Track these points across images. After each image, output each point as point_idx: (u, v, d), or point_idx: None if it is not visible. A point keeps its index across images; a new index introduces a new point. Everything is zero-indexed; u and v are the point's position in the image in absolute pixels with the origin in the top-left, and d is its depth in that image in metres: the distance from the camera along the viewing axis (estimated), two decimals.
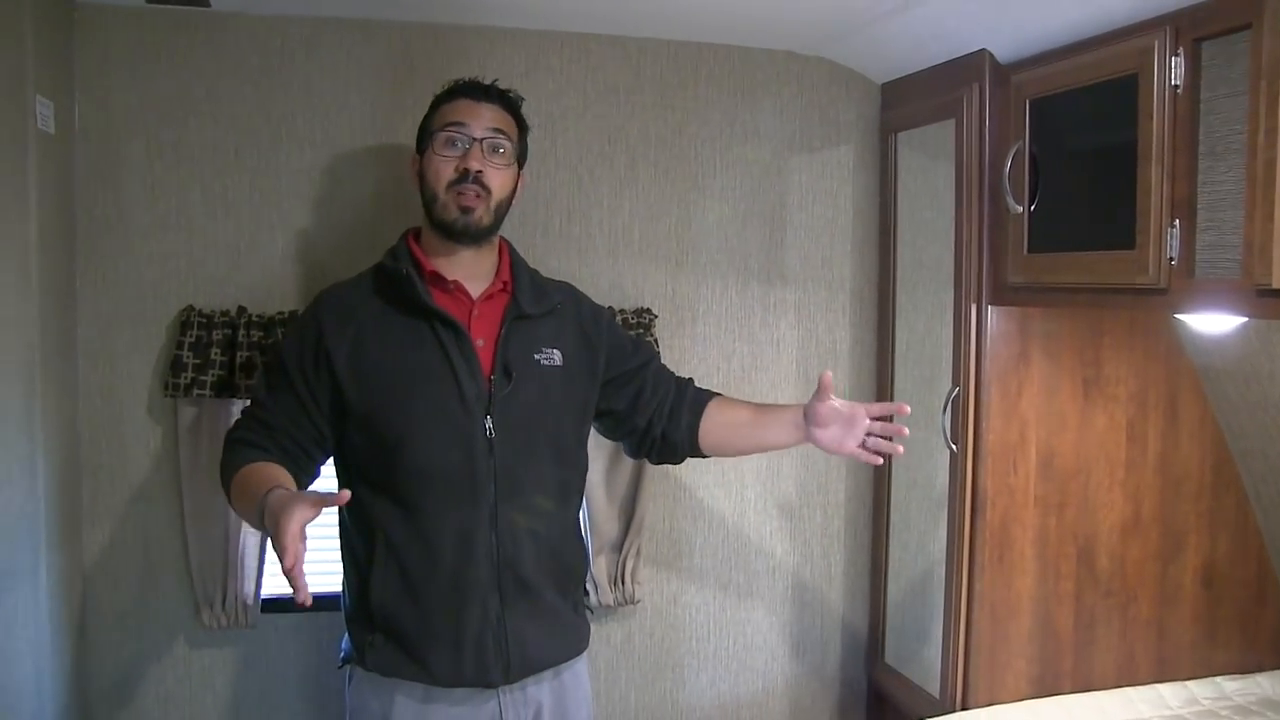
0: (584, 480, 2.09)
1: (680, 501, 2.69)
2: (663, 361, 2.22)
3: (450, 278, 1.92)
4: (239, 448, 1.86)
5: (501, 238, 2.03)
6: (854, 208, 2.75)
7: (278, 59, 2.40)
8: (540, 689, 1.95)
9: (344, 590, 1.98)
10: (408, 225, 2.04)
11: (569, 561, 2.00)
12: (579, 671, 2.04)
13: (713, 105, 2.64)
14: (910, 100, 2.60)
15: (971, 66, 2.31)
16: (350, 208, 2.45)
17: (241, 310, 2.36)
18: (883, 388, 2.74)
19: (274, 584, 2.46)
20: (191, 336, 2.33)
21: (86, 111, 2.32)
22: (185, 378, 2.31)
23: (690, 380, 2.16)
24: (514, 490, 1.89)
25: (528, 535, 1.90)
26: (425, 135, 1.95)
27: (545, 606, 1.91)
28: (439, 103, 1.96)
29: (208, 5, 2.31)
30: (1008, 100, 2.20)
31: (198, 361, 2.32)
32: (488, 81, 1.98)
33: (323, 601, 2.00)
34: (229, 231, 2.41)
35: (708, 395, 2.13)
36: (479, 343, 1.90)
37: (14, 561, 1.98)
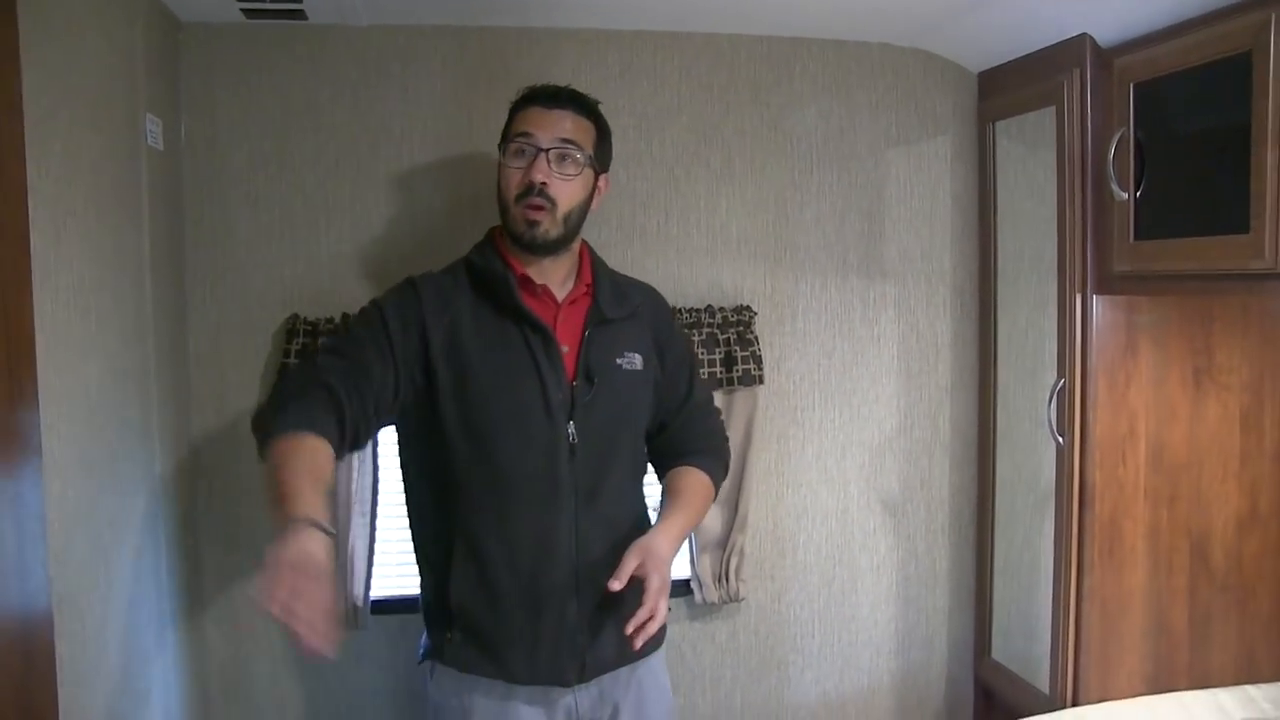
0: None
1: (783, 498, 2.67)
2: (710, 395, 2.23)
3: (538, 282, 1.93)
4: (308, 389, 1.74)
5: (582, 241, 2.02)
6: (952, 199, 2.70)
7: (374, 68, 2.43)
8: (616, 686, 1.97)
9: (421, 588, 2.00)
10: None
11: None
12: (655, 668, 2.04)
13: (808, 100, 2.62)
14: (1008, 89, 2.55)
15: (1071, 52, 2.25)
16: (449, 214, 2.47)
17: (345, 318, 2.39)
18: (985, 381, 2.70)
19: (382, 586, 2.51)
20: (297, 344, 2.37)
21: (192, 127, 2.38)
22: None
23: (702, 434, 2.11)
24: (593, 495, 1.89)
25: (605, 538, 1.90)
26: (501, 145, 1.95)
27: (621, 606, 1.89)
28: (514, 110, 1.95)
29: (305, 18, 2.35)
30: (1110, 85, 2.13)
31: None
32: (563, 85, 1.96)
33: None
34: (331, 240, 2.45)
35: (682, 461, 2.06)
36: (564, 348, 1.90)
37: (139, 564, 2.04)
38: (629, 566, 1.75)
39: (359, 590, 2.45)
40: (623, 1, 2.33)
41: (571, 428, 1.87)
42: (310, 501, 1.52)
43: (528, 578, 1.87)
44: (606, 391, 1.91)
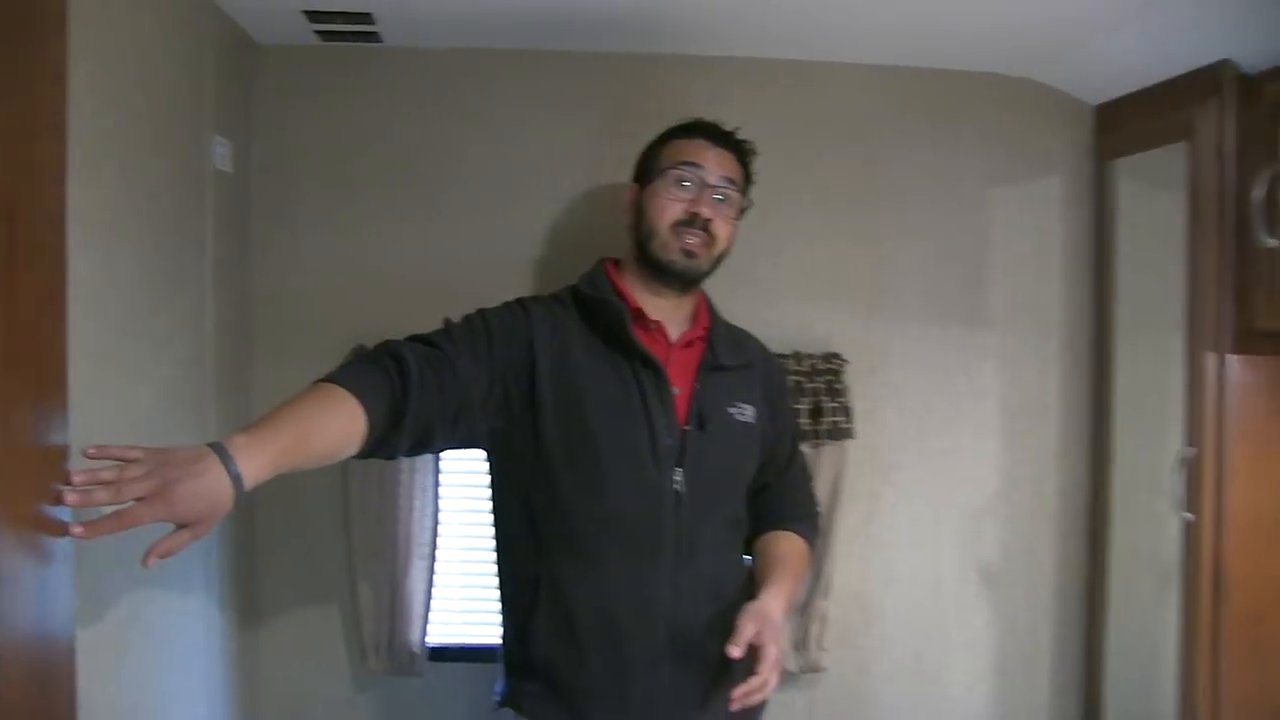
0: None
1: (871, 563, 2.46)
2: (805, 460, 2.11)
3: (654, 317, 1.81)
4: (378, 356, 1.59)
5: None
6: (1064, 244, 2.48)
7: (449, 91, 2.35)
8: None
9: (502, 631, 1.87)
10: (580, 259, 1.94)
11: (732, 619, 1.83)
12: None
13: (908, 134, 2.44)
14: (1130, 122, 2.34)
15: (1208, 80, 2.03)
16: (522, 242, 2.37)
17: None
18: (1099, 445, 2.46)
19: (440, 632, 2.41)
20: None
21: (264, 149, 2.33)
22: None
23: (803, 500, 2.01)
24: (695, 549, 1.75)
25: (704, 598, 1.76)
26: (651, 169, 1.85)
27: (719, 674, 1.74)
28: (672, 137, 1.87)
29: (380, 41, 2.27)
30: (1257, 116, 1.92)
31: None
32: (728, 127, 1.89)
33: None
34: (398, 266, 2.36)
35: (781, 526, 1.93)
36: (675, 390, 1.77)
37: (187, 600, 1.96)
38: (747, 633, 1.58)
39: (416, 636, 2.35)
40: (708, 24, 2.19)
41: (678, 475, 1.74)
42: (259, 433, 1.35)
43: (618, 631, 1.73)
44: (718, 440, 1.79)
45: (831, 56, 2.39)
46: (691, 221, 1.78)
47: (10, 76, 1.14)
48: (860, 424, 2.38)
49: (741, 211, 1.87)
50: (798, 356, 2.34)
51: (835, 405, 2.33)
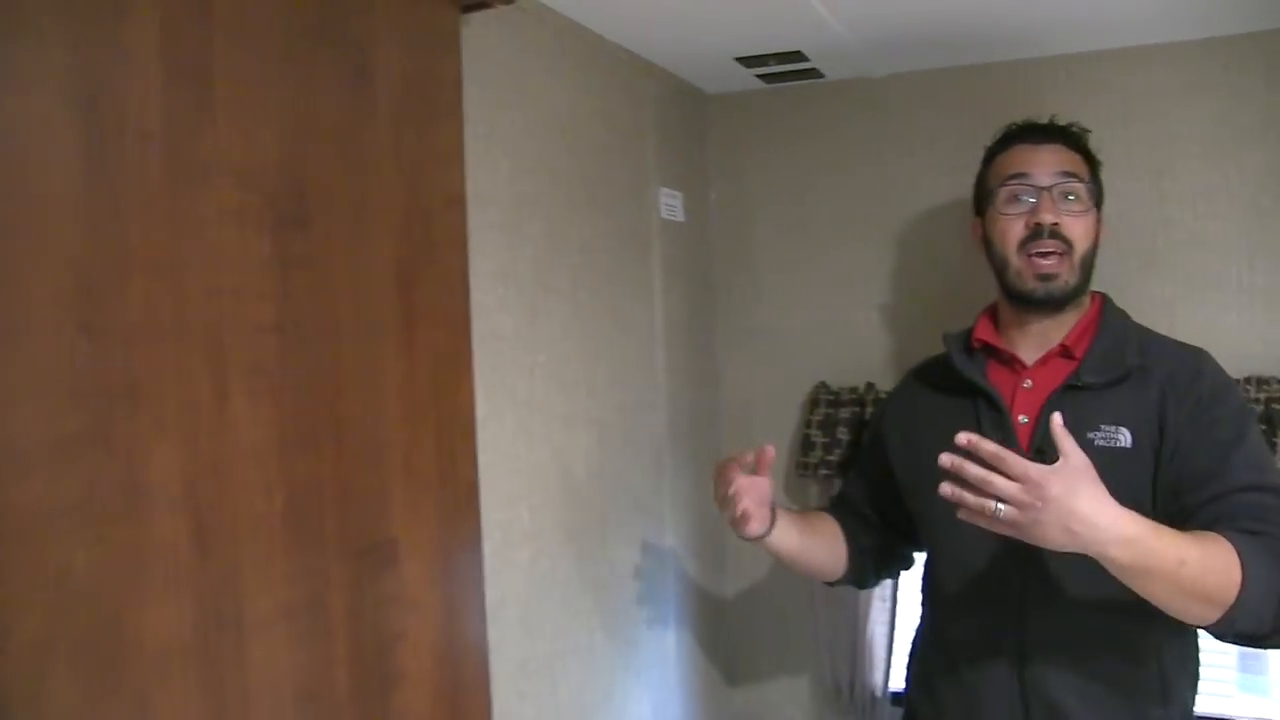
0: None
1: None
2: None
3: (1007, 348, 1.65)
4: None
5: (1095, 292, 1.68)
6: None
7: (896, 119, 2.28)
8: None
9: None
10: None
11: (1126, 694, 1.53)
12: None
13: None
14: None
15: None
16: (981, 268, 2.20)
17: (869, 387, 2.25)
18: None
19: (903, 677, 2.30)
20: (819, 415, 2.28)
21: (721, 196, 2.42)
22: (813, 456, 2.27)
23: (1245, 515, 1.43)
24: (1048, 596, 1.53)
25: (1065, 654, 1.53)
26: (983, 194, 1.70)
27: None
28: (993, 155, 1.71)
29: (821, 76, 2.27)
30: None
31: (825, 440, 2.26)
32: (1049, 119, 1.72)
33: None
34: (857, 304, 2.33)
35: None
36: (1020, 419, 1.59)
37: (658, 651, 2.06)
38: (1059, 427, 1.31)
39: (878, 679, 2.29)
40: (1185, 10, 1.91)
41: None
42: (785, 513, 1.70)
43: (966, 685, 1.62)
44: None
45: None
46: (1036, 234, 1.59)
47: (410, 163, 1.31)
48: None
49: (1097, 201, 1.65)
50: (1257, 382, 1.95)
51: None
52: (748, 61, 2.15)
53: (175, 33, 0.99)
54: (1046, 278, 1.59)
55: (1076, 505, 1.26)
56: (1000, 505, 1.27)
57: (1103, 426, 1.54)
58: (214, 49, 1.03)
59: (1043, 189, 1.61)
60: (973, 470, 1.28)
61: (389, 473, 1.26)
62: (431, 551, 1.32)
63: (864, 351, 2.31)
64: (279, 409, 1.10)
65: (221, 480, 1.02)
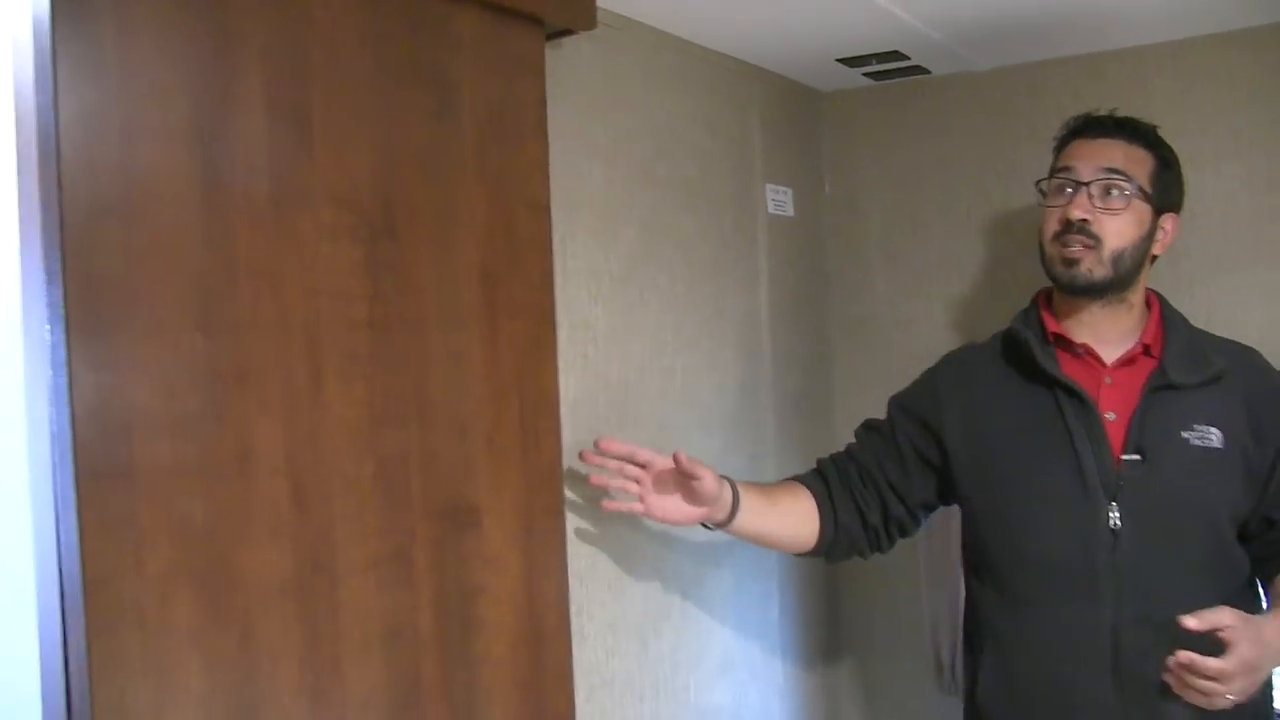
0: (1246, 587, 1.66)
1: None
2: None
3: (1078, 340, 1.69)
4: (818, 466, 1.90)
5: (1152, 292, 1.71)
6: None
7: (1000, 112, 2.33)
8: None
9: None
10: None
11: None
12: None
13: None
14: None
15: None
16: None
17: None
18: None
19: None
20: None
21: (834, 189, 2.53)
22: None
23: None
24: (1143, 592, 1.58)
25: (1159, 648, 1.54)
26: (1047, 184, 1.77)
27: None
28: (1060, 146, 1.76)
29: (928, 72, 2.34)
30: None
31: None
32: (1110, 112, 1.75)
33: None
34: (965, 294, 2.40)
35: None
36: (1108, 416, 1.63)
37: (760, 620, 2.20)
38: (1218, 617, 1.43)
39: (946, 656, 2.38)
40: None
41: (1115, 510, 1.60)
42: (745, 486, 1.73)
43: (1058, 685, 1.64)
44: (1166, 469, 1.61)
45: None
46: (1067, 228, 1.66)
47: (494, 178, 1.50)
48: None
49: (1149, 200, 1.67)
50: None
51: None
52: (850, 62, 2.24)
53: (278, 83, 1.20)
54: (1070, 262, 1.66)
55: (1265, 660, 1.47)
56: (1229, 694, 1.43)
57: (1196, 426, 1.62)
58: (312, 94, 1.24)
59: (1082, 184, 1.67)
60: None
61: (473, 446, 1.46)
62: (513, 517, 1.51)
63: (969, 338, 2.35)
64: (369, 390, 1.31)
65: (317, 449, 1.24)
